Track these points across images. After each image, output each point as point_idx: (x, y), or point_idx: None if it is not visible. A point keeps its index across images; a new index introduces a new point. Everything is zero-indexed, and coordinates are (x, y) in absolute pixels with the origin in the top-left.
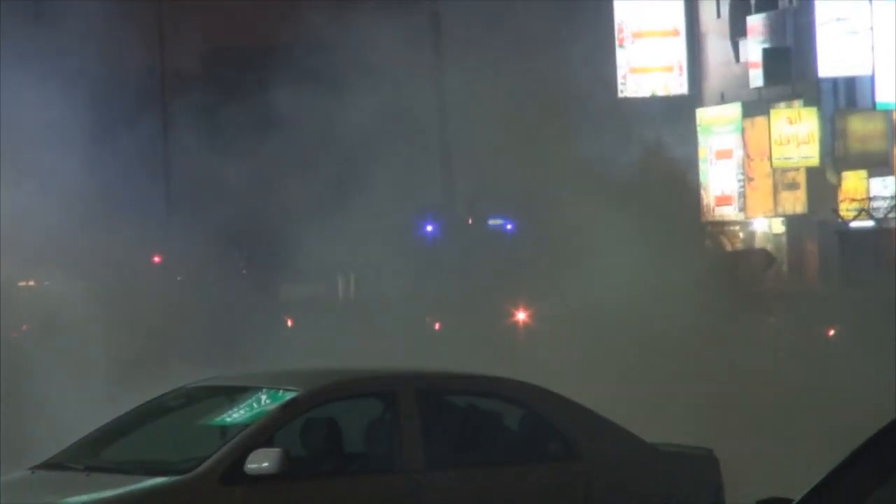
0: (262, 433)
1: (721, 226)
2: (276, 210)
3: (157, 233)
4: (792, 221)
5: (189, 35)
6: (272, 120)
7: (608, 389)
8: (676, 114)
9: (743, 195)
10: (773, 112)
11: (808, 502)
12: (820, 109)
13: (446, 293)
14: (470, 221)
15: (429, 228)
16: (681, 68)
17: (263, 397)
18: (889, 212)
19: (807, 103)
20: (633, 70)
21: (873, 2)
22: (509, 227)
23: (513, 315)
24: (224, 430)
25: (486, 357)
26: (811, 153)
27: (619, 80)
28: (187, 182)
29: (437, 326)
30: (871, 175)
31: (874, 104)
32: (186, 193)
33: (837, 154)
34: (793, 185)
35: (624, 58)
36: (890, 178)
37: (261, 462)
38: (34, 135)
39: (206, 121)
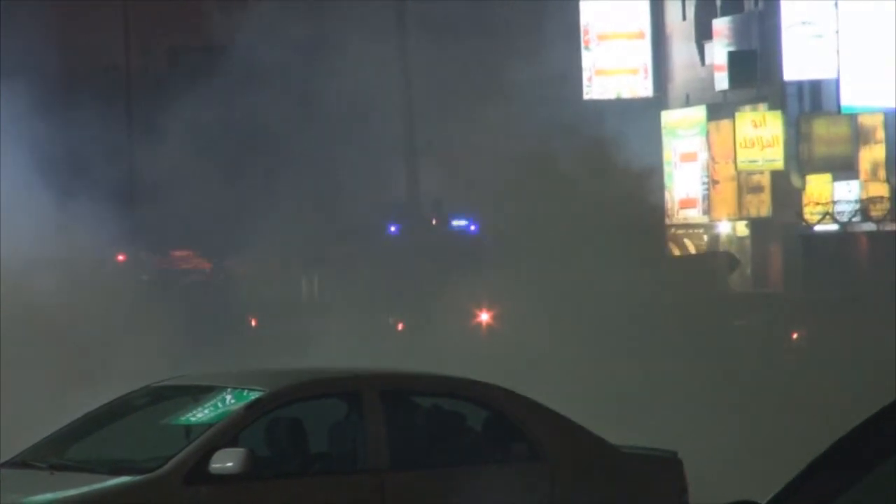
0: (227, 433)
1: (685, 228)
2: (241, 209)
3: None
4: (756, 225)
5: (151, 32)
6: (235, 118)
7: (572, 391)
8: (641, 116)
9: (707, 198)
10: (738, 115)
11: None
12: (785, 113)
13: (409, 293)
14: (434, 222)
15: (392, 229)
16: (646, 71)
17: (228, 397)
18: (853, 216)
19: (772, 107)
20: (599, 72)
21: (839, 5)
22: (473, 227)
23: (476, 315)
24: (189, 429)
25: (449, 358)
26: (776, 156)
27: (585, 81)
28: (151, 179)
29: (399, 327)
30: (835, 179)
31: (839, 108)
32: (150, 191)
33: (802, 158)
34: (757, 189)
35: (589, 59)
36: (854, 183)
37: (225, 462)
38: None
39: (167, 120)
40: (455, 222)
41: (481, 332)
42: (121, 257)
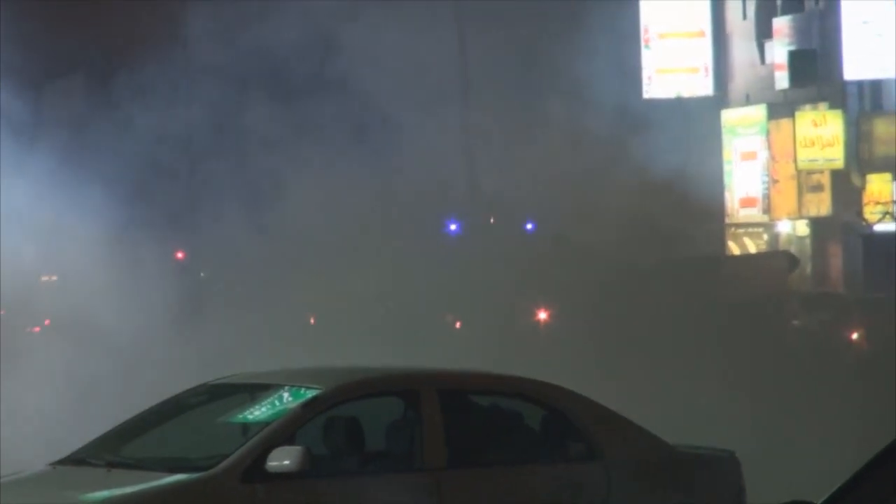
0: (284, 431)
1: (745, 227)
2: (296, 205)
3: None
4: (816, 224)
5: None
6: (298, 113)
7: (629, 390)
8: (702, 115)
9: (767, 197)
10: (798, 114)
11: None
12: (845, 112)
13: (468, 292)
14: (492, 221)
15: (452, 227)
16: (706, 69)
17: (285, 395)
18: None
19: (832, 106)
20: (659, 71)
21: None
22: (530, 226)
23: (534, 314)
24: (245, 427)
25: (507, 356)
26: (836, 155)
27: (645, 80)
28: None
29: (457, 325)
30: (895, 178)
31: None
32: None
33: (862, 157)
34: (817, 188)
35: (649, 59)
36: None
37: (282, 460)
38: None
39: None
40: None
41: (539, 330)
42: (180, 255)
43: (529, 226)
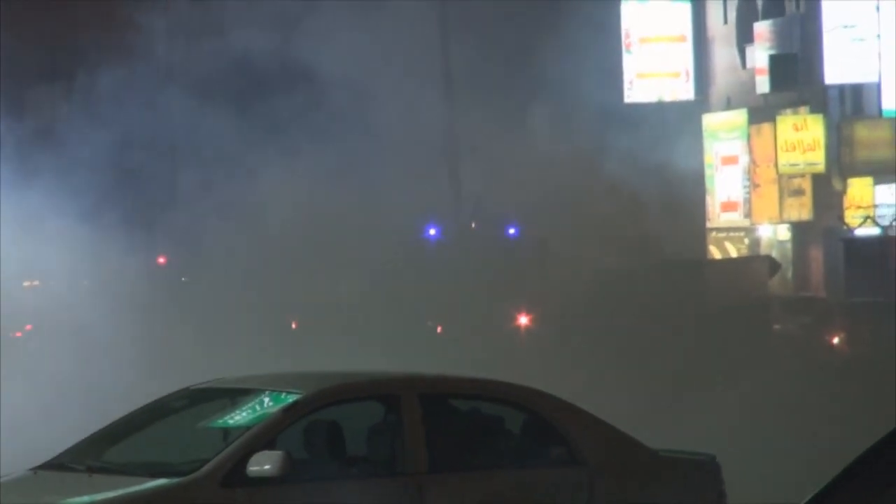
0: (265, 435)
1: (726, 232)
2: (280, 210)
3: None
4: (797, 228)
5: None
6: (279, 117)
7: (611, 394)
8: (683, 119)
9: (748, 201)
10: (779, 119)
11: None
12: (826, 116)
13: (448, 297)
14: (473, 226)
15: (432, 232)
16: (687, 74)
17: (266, 399)
18: (894, 219)
19: (813, 110)
20: (640, 75)
21: (880, 8)
22: (512, 231)
23: (515, 319)
24: (226, 432)
25: (488, 360)
26: (817, 160)
27: (626, 85)
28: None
29: (438, 330)
30: (876, 182)
31: (881, 111)
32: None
33: (843, 161)
34: (798, 192)
35: (631, 63)
36: None
37: (262, 465)
38: None
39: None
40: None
41: (520, 335)
42: (161, 259)
43: (512, 230)
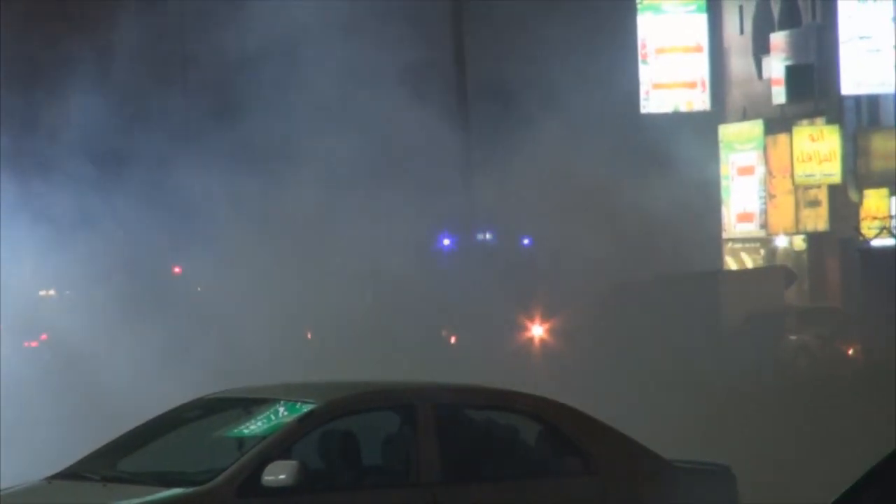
0: (279, 445)
1: (742, 242)
2: (293, 221)
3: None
4: (813, 239)
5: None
6: (293, 126)
7: (625, 405)
8: (699, 130)
9: (765, 212)
10: (795, 129)
11: None
12: (842, 127)
13: (463, 307)
14: (487, 236)
15: (446, 242)
16: (703, 84)
17: (281, 409)
18: None
19: (829, 121)
20: (656, 86)
21: None
22: (526, 241)
23: (529, 329)
24: (241, 441)
25: (502, 371)
26: (833, 171)
27: (642, 95)
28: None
29: (452, 340)
30: (892, 193)
31: None
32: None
33: (859, 172)
34: (814, 203)
35: (647, 73)
36: None
37: (277, 474)
38: None
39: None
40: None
41: (534, 345)
42: (177, 269)
43: (526, 241)
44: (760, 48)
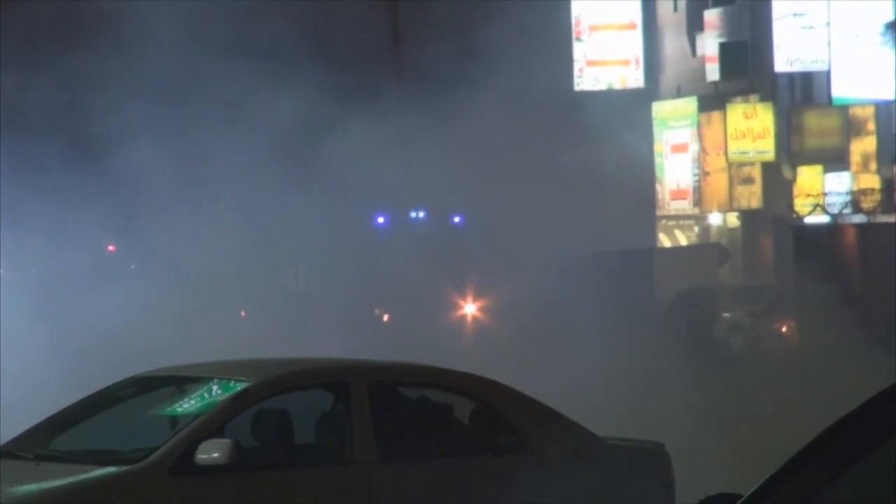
0: (213, 424)
1: (676, 219)
2: (229, 201)
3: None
4: (747, 216)
5: None
6: (228, 110)
7: (559, 383)
8: (632, 107)
9: (698, 189)
10: (729, 106)
11: (757, 498)
12: (776, 104)
13: (396, 285)
14: (420, 214)
15: (380, 220)
16: (637, 61)
17: (214, 387)
18: (843, 207)
19: (763, 98)
20: (590, 63)
21: None
22: (457, 219)
23: (461, 307)
24: (174, 420)
25: (435, 349)
26: (767, 148)
27: (576, 73)
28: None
29: (385, 318)
30: (826, 171)
31: (830, 100)
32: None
33: (793, 149)
34: (748, 180)
35: (580, 51)
36: (845, 174)
37: (211, 453)
38: None
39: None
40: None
41: (467, 324)
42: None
43: (457, 219)
44: (694, 25)
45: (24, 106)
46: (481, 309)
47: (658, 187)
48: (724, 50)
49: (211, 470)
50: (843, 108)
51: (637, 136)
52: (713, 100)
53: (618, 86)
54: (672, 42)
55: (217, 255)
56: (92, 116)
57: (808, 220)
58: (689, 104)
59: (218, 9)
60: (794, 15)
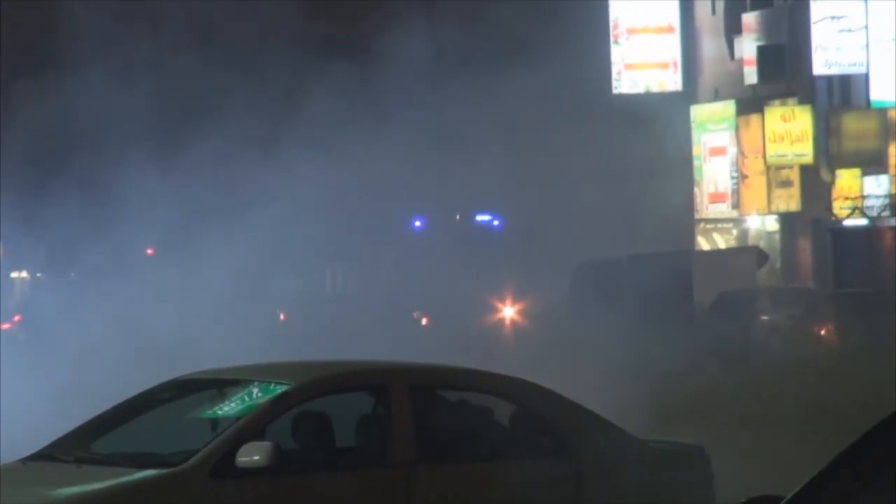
0: (253, 426)
1: (714, 223)
2: (267, 201)
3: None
4: (785, 219)
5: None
6: (270, 107)
7: (598, 385)
8: (670, 110)
9: (737, 192)
10: (767, 110)
11: (798, 499)
12: (814, 107)
13: (434, 288)
14: (458, 217)
15: (417, 224)
16: (675, 65)
17: (255, 390)
18: (882, 210)
19: (801, 101)
20: (628, 66)
21: (868, 0)
22: (496, 223)
23: (499, 311)
24: (215, 423)
25: (475, 352)
26: (805, 151)
27: (614, 76)
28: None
29: (424, 321)
30: (864, 173)
31: (868, 102)
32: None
33: (831, 152)
34: (786, 183)
35: (618, 54)
36: (883, 177)
37: (251, 455)
38: None
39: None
40: (479, 217)
41: (505, 327)
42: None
43: (496, 222)
44: (732, 28)
45: (79, 115)
46: (519, 312)
47: (696, 190)
48: (762, 53)
49: (252, 472)
50: (882, 111)
51: (675, 139)
52: (751, 103)
53: (655, 89)
54: (710, 45)
55: (257, 259)
56: (137, 124)
57: (847, 222)
58: (728, 107)
59: (253, 10)
60: (833, 18)
